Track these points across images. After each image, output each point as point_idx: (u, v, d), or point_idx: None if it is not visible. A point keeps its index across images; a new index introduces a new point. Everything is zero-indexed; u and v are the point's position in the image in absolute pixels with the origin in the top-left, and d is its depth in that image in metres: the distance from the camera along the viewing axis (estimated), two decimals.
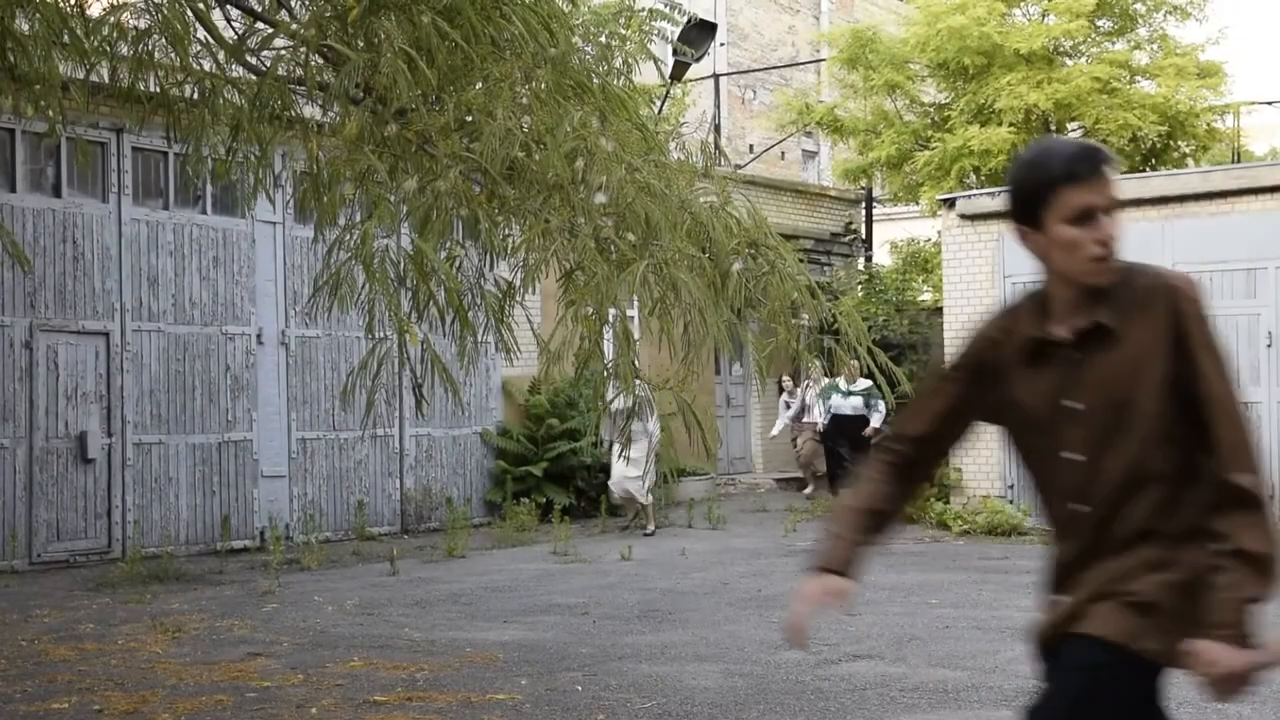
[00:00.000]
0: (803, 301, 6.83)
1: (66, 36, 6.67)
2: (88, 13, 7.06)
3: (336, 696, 7.21)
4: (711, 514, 16.19)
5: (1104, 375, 2.92)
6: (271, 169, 7.64)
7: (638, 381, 13.78)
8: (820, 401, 16.82)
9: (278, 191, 11.07)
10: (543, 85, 6.32)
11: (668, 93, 21.50)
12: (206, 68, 7.10)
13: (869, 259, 24.54)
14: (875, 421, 16.68)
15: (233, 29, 7.29)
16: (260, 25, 7.12)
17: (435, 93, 6.31)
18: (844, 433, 16.76)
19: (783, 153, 27.54)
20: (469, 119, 6.31)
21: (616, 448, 14.67)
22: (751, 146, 27.05)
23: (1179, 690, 7.23)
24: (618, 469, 15.39)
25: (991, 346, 3.09)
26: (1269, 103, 25.65)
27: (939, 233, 18.19)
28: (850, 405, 16.47)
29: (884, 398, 15.22)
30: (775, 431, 20.32)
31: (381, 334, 6.31)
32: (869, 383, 16.14)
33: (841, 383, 16.65)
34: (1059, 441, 2.97)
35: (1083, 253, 2.94)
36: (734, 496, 19.86)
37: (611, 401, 12.60)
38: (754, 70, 27.73)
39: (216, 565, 12.86)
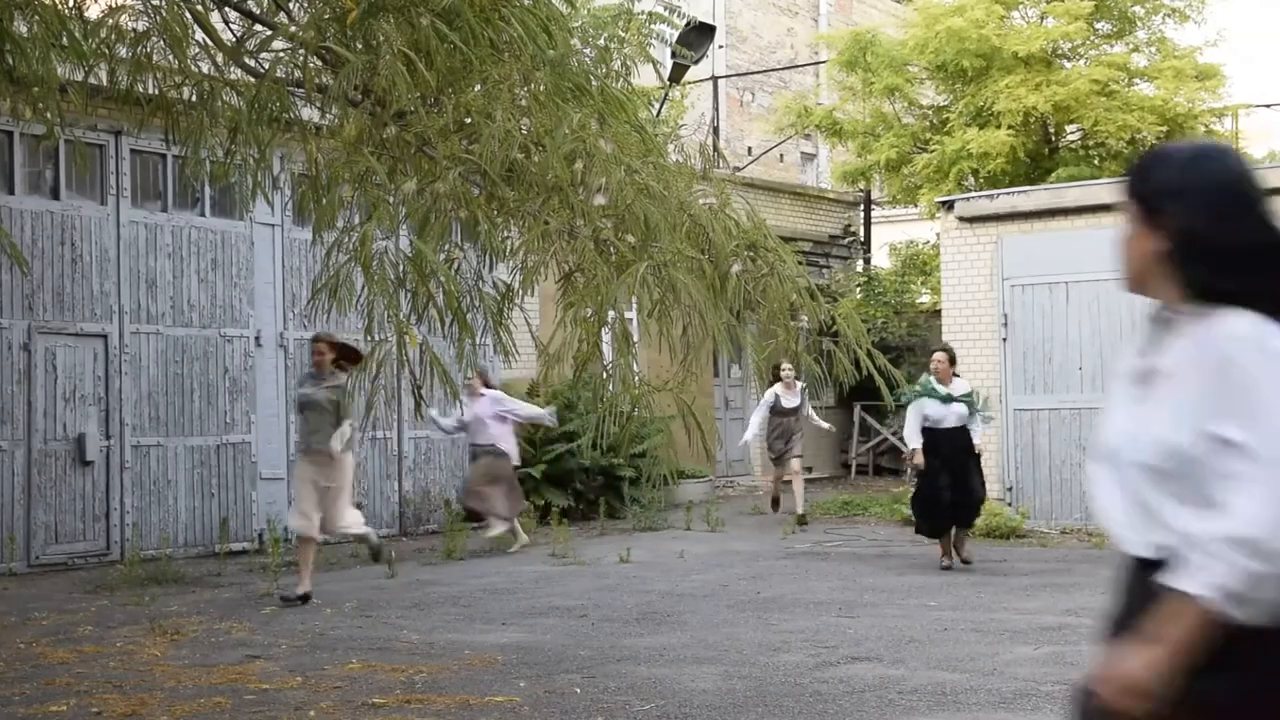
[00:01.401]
0: (802, 303, 6.83)
1: (65, 39, 6.67)
2: (86, 15, 7.06)
3: (335, 699, 7.20)
4: (710, 516, 16.19)
5: None
6: (270, 171, 7.64)
7: (334, 374, 10.89)
8: (910, 410, 12.24)
9: (276, 194, 11.08)
10: (541, 87, 6.32)
11: (666, 95, 21.51)
12: (205, 70, 7.10)
13: (867, 261, 24.56)
14: (977, 436, 12.37)
15: (231, 31, 7.29)
16: (259, 27, 7.12)
17: (434, 95, 6.31)
18: (942, 451, 12.13)
19: (781, 155, 27.56)
20: (468, 121, 6.31)
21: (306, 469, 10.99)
22: (750, 149, 27.07)
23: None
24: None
25: None
26: (1267, 105, 25.67)
27: (937, 235, 18.21)
28: (955, 415, 12.07)
29: (979, 408, 12.33)
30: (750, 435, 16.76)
31: (380, 336, 6.30)
32: (968, 385, 12.58)
33: (935, 382, 12.14)
34: None
35: None
36: (732, 499, 19.85)
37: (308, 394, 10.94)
38: (753, 73, 27.75)
39: (215, 568, 12.85)
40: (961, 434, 12.12)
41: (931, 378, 12.12)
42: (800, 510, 16.29)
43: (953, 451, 12.10)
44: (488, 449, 13.76)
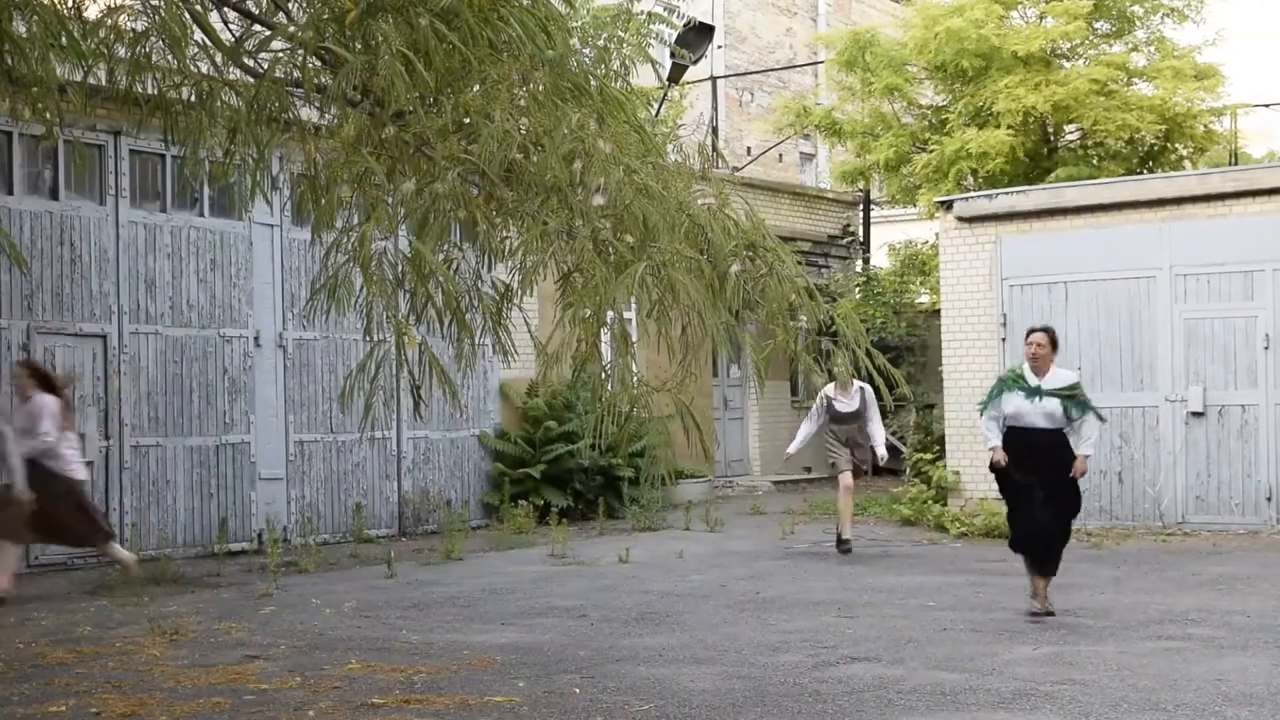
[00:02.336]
0: (801, 303, 6.83)
1: (64, 38, 6.67)
2: (85, 15, 7.06)
3: (334, 699, 7.20)
4: (709, 516, 16.19)
5: None
6: (269, 171, 7.63)
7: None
8: (990, 405, 9.77)
9: (275, 194, 11.07)
10: (540, 87, 6.31)
11: (665, 95, 21.51)
12: (204, 70, 7.10)
13: (867, 261, 24.55)
14: (1086, 448, 9.59)
15: (230, 31, 7.29)
16: (258, 27, 7.12)
17: (433, 95, 6.30)
18: (1028, 457, 9.52)
19: (780, 155, 27.56)
20: (467, 121, 6.31)
21: None
22: (749, 149, 27.07)
23: (1177, 693, 7.26)
24: None
25: None
26: (1266, 105, 25.68)
27: (936, 235, 18.20)
28: (1044, 413, 9.50)
29: (1093, 407, 9.70)
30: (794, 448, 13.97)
31: (379, 336, 6.30)
32: (1073, 376, 9.94)
33: (1028, 371, 9.64)
34: None
35: None
36: (731, 499, 19.85)
37: None
38: (751, 73, 27.75)
39: (214, 568, 12.84)
40: (1055, 439, 9.51)
41: (1025, 365, 9.64)
42: (846, 534, 13.54)
43: (1042, 460, 9.48)
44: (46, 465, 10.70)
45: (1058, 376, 9.64)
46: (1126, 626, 9.10)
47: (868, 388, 13.31)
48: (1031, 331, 9.81)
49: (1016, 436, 9.59)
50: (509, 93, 6.23)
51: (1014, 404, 9.57)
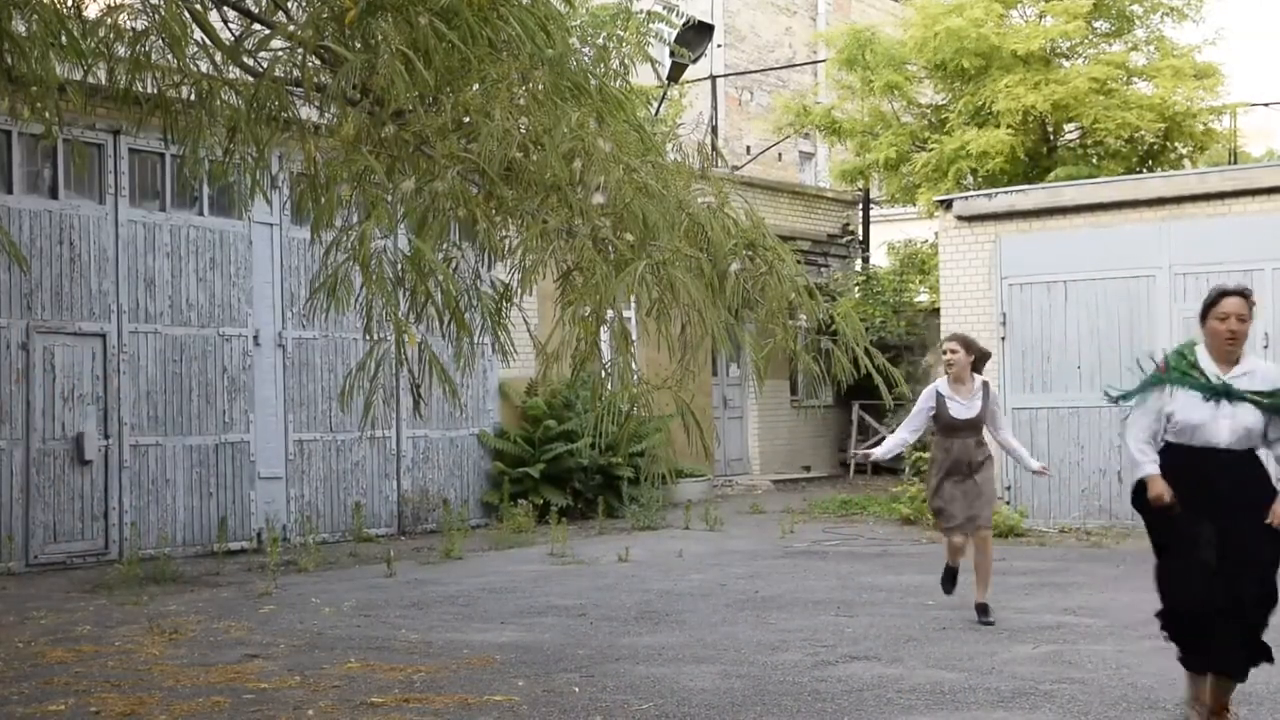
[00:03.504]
0: (800, 302, 6.83)
1: (63, 38, 6.67)
2: (85, 14, 7.06)
3: (334, 698, 7.20)
4: (708, 515, 16.19)
5: None
6: (268, 170, 7.64)
7: None
8: (1136, 408, 6.34)
9: (275, 193, 11.07)
10: (540, 86, 6.31)
11: (664, 94, 21.51)
12: (204, 69, 7.10)
13: (866, 260, 24.56)
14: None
15: (230, 30, 7.29)
16: (257, 27, 7.12)
17: (433, 94, 6.30)
18: (1208, 491, 6.06)
19: (780, 154, 27.57)
20: (466, 120, 6.31)
21: None
22: (749, 148, 27.07)
23: (1176, 691, 7.24)
24: None
25: None
26: (1266, 104, 25.68)
27: (936, 234, 18.20)
28: (1232, 424, 6.06)
29: None
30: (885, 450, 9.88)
31: (379, 335, 6.30)
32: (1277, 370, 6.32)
33: (1203, 357, 6.19)
34: None
35: None
36: (731, 498, 19.85)
37: None
38: (751, 72, 27.76)
39: (213, 567, 12.85)
40: (1246, 464, 6.15)
41: (1198, 347, 6.23)
42: (984, 596, 9.37)
43: (1230, 498, 6.06)
44: None
45: (1257, 371, 6.19)
46: (1126, 625, 9.10)
47: (990, 383, 9.68)
48: (1223, 295, 6.20)
49: (1188, 462, 6.15)
50: (509, 92, 6.23)
51: (1186, 409, 6.14)
